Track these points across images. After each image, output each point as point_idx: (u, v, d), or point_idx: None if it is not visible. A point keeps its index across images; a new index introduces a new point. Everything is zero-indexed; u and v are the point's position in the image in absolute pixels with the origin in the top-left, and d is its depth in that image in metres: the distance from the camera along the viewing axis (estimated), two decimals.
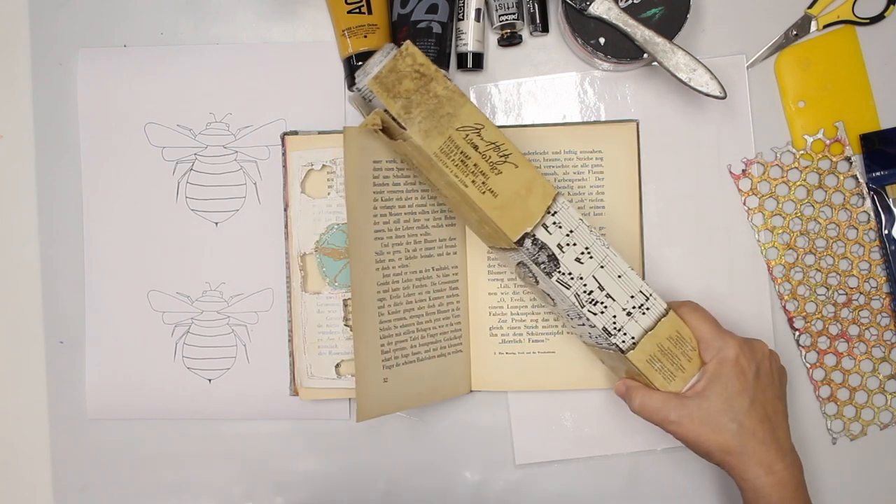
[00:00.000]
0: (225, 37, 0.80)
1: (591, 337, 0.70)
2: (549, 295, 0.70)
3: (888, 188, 0.77)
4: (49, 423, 0.80)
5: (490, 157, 0.66)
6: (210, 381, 0.80)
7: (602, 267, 0.67)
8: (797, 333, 0.78)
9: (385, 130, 0.70)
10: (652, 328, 0.68)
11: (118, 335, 0.80)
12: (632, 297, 0.67)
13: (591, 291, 0.67)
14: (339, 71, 0.78)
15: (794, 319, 0.78)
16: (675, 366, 0.68)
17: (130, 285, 0.80)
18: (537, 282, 0.69)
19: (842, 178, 0.78)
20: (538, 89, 0.79)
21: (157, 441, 0.80)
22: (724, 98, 0.72)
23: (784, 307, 0.78)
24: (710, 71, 0.73)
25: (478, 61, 0.77)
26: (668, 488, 0.79)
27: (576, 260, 0.67)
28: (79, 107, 0.79)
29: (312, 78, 0.79)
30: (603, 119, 0.79)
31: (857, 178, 0.78)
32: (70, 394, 0.80)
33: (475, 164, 0.66)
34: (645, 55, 0.73)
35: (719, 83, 0.72)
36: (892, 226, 0.77)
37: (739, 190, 0.78)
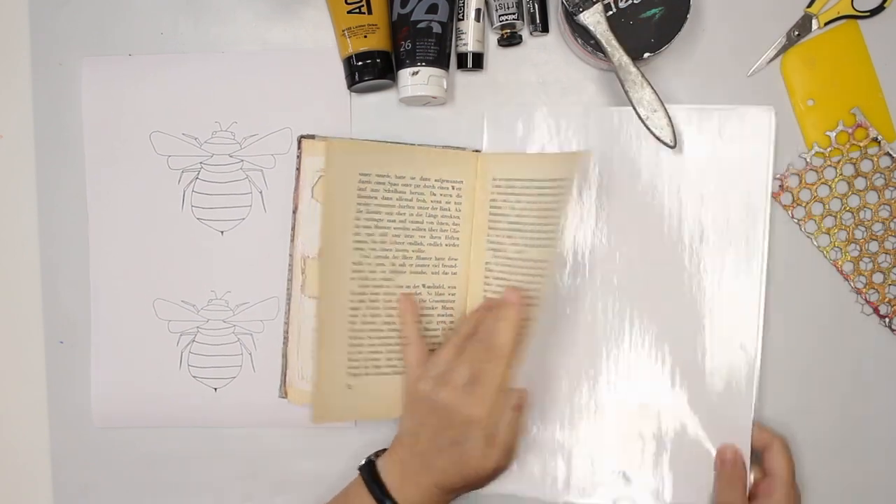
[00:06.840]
0: (224, 37, 0.80)
1: None
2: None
3: None
4: (49, 424, 0.80)
5: None
6: (216, 389, 0.79)
7: None
8: (888, 320, 0.78)
9: None
10: None
11: (124, 343, 0.80)
12: None
13: None
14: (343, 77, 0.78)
15: (878, 308, 0.78)
16: None
17: (136, 294, 0.80)
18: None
19: (876, 159, 0.78)
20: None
21: (159, 443, 0.80)
22: (673, 147, 0.74)
23: (865, 299, 0.78)
24: (668, 116, 0.73)
25: (478, 61, 0.78)
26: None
27: None
28: (83, 115, 0.79)
29: (318, 86, 0.79)
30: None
31: (891, 155, 0.78)
32: (71, 396, 0.80)
33: None
34: (644, 55, 0.74)
35: (673, 131, 0.73)
36: None
37: (783, 206, 0.78)
